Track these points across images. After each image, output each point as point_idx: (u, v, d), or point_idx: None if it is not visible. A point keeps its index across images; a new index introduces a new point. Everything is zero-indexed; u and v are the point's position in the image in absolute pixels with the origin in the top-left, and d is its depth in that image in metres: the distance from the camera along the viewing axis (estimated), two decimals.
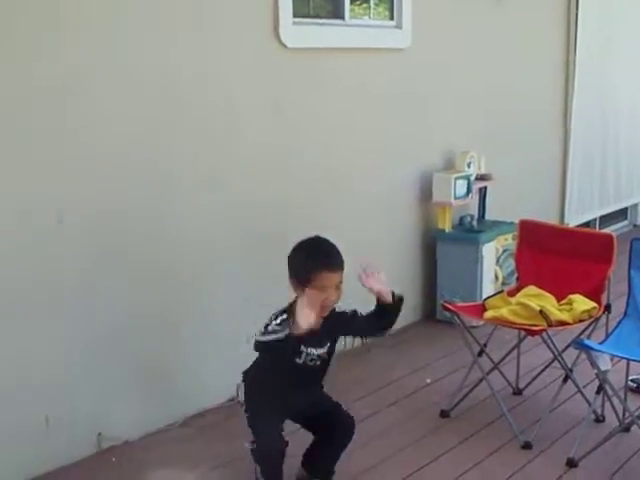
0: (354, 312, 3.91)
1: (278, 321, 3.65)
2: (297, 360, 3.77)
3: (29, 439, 4.17)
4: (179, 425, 4.77)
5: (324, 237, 3.85)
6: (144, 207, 4.54)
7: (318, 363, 3.85)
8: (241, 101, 5.00)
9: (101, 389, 4.46)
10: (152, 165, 4.56)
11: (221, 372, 4.85)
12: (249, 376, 3.94)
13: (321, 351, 3.83)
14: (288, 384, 3.78)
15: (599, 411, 4.78)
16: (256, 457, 3.78)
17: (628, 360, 4.58)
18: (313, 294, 3.62)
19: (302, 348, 3.75)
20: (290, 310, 3.69)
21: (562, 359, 4.78)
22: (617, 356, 4.43)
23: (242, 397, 3.91)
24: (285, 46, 5.21)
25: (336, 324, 3.84)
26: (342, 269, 3.74)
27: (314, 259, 3.71)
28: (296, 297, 3.73)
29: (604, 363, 4.29)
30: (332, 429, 3.98)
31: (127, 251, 4.50)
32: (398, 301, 3.91)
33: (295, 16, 5.29)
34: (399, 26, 6.16)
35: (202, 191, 4.82)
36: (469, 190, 6.48)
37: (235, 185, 4.98)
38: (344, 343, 5.73)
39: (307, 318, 3.53)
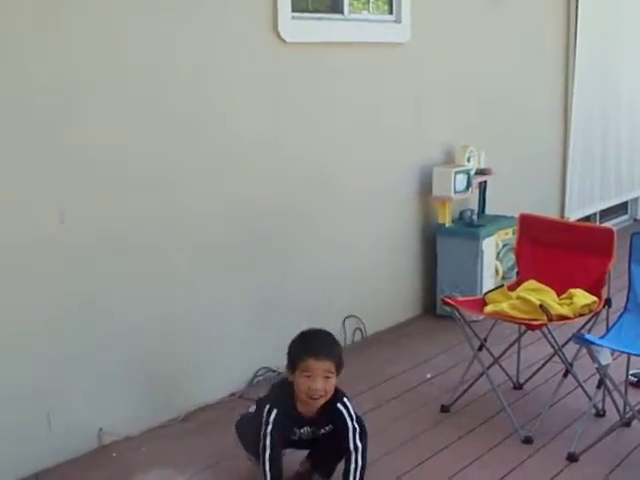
0: (349, 432, 3.85)
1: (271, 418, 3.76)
2: (292, 437, 3.89)
3: (31, 434, 4.17)
4: (180, 420, 4.78)
5: (325, 330, 3.94)
6: (145, 205, 4.54)
7: (316, 436, 3.93)
8: (240, 96, 5.00)
9: (102, 384, 4.46)
10: (150, 162, 4.56)
11: (223, 367, 4.87)
12: (240, 430, 4.10)
13: (317, 432, 3.91)
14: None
15: (600, 405, 4.78)
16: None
17: (629, 354, 4.57)
18: (299, 380, 3.75)
19: (294, 429, 3.87)
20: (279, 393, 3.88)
21: (562, 353, 4.78)
22: (617, 350, 4.43)
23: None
24: (284, 41, 5.20)
25: (333, 420, 3.88)
26: (331, 360, 3.77)
27: (303, 345, 3.82)
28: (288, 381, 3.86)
29: (604, 357, 4.30)
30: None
31: (129, 250, 4.50)
32: None
33: (294, 10, 5.28)
34: (398, 20, 6.16)
35: (202, 187, 4.82)
36: (469, 184, 6.48)
37: (235, 181, 4.98)
38: (345, 338, 5.77)
39: None
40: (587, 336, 4.34)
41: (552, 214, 7.86)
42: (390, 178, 6.21)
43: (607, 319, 4.66)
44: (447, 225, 6.47)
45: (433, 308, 6.54)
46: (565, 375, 4.64)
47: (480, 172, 6.72)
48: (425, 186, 6.45)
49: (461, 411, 4.91)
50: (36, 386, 4.18)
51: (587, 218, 8.85)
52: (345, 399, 3.89)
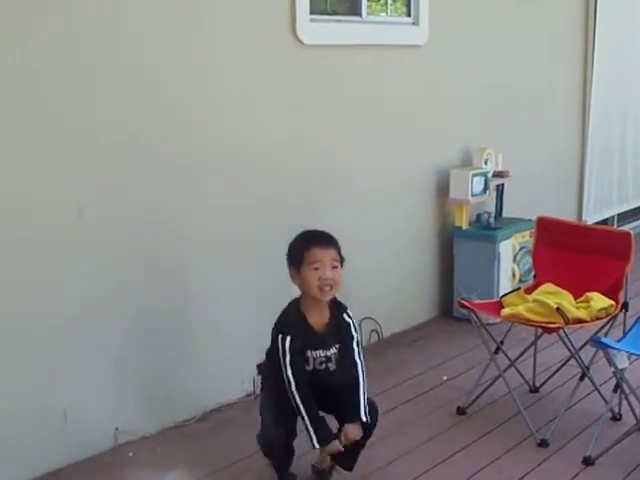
0: (352, 341, 3.93)
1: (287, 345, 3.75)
2: (307, 367, 3.83)
3: (47, 434, 4.20)
4: (197, 420, 4.79)
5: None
6: (156, 204, 4.56)
7: (330, 368, 3.88)
8: (258, 98, 5.01)
9: (118, 384, 4.48)
10: (171, 160, 4.58)
11: (239, 367, 4.87)
12: (264, 373, 4.03)
13: (328, 352, 3.87)
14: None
15: (616, 409, 4.77)
16: (261, 447, 3.92)
17: None
18: (308, 274, 3.73)
19: (307, 353, 3.81)
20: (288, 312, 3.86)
21: (579, 357, 4.76)
22: (634, 354, 4.41)
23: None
24: (302, 43, 5.21)
25: (340, 330, 3.90)
26: (334, 248, 3.80)
27: (304, 239, 3.84)
28: (298, 300, 3.84)
29: (621, 361, 4.28)
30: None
31: (147, 246, 4.53)
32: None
33: (312, 13, 5.29)
34: (416, 23, 6.15)
35: (221, 185, 4.83)
36: (486, 187, 6.47)
37: (253, 180, 4.99)
38: (360, 339, 5.76)
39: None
40: (604, 339, 4.32)
41: (569, 217, 7.83)
42: (407, 180, 6.21)
43: (624, 323, 4.65)
44: (464, 228, 6.46)
45: (450, 310, 6.54)
46: (581, 378, 4.63)
47: (497, 174, 6.71)
48: (442, 188, 6.45)
49: (477, 414, 4.90)
50: (53, 385, 4.21)
51: (605, 221, 8.82)
52: (349, 311, 3.94)
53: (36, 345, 4.11)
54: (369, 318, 5.88)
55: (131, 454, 4.44)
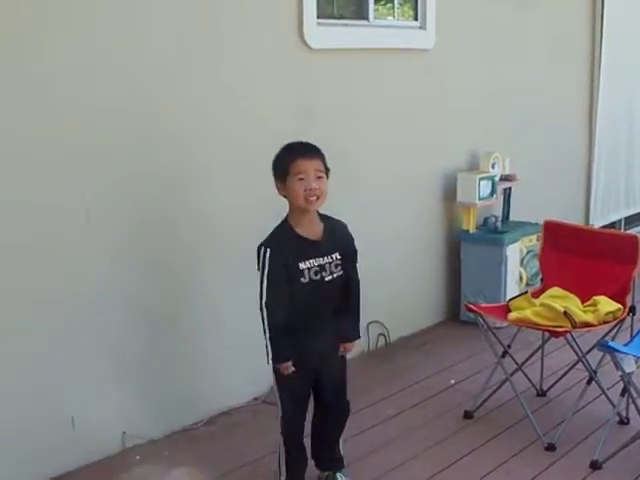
0: (355, 256, 3.94)
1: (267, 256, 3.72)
2: (302, 280, 3.73)
3: (55, 438, 4.20)
4: (204, 424, 4.79)
5: None
6: (162, 206, 4.58)
7: (325, 277, 3.78)
8: (266, 101, 5.02)
9: (125, 388, 4.49)
10: (173, 163, 4.59)
11: (247, 371, 4.87)
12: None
13: (322, 261, 3.77)
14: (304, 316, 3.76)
15: (623, 413, 4.76)
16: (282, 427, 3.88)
17: None
18: (293, 186, 3.71)
19: (301, 265, 3.72)
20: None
21: (586, 361, 4.76)
22: None
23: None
24: (309, 47, 5.22)
25: (339, 235, 3.87)
26: (318, 158, 3.77)
27: (288, 151, 3.81)
28: (286, 216, 3.81)
29: (629, 365, 4.27)
30: (326, 413, 4.01)
31: (156, 249, 4.55)
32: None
33: (319, 17, 5.30)
34: (423, 27, 6.16)
35: (223, 188, 4.84)
36: (493, 191, 6.47)
37: (258, 182, 4.97)
38: (368, 343, 5.78)
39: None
40: (611, 343, 4.32)
41: (576, 221, 7.82)
42: (414, 184, 6.21)
43: (631, 326, 4.65)
44: (471, 231, 6.46)
45: (457, 314, 6.54)
46: (589, 382, 4.63)
47: (505, 178, 6.71)
48: (449, 192, 6.46)
49: (484, 417, 4.90)
50: (60, 390, 4.22)
51: (612, 225, 8.81)
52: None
53: (43, 351, 4.12)
54: (376, 322, 5.88)
55: (138, 457, 4.45)
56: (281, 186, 3.77)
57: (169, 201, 4.58)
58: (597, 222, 8.41)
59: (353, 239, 3.94)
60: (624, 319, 4.66)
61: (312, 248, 3.76)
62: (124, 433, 4.49)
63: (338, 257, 3.81)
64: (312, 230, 3.79)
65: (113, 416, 4.44)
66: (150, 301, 4.54)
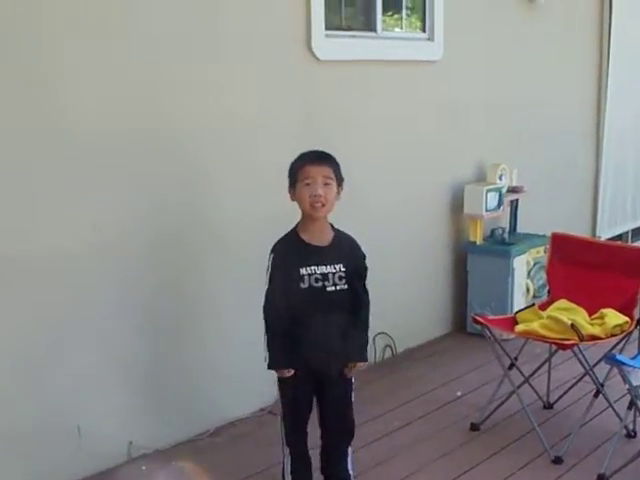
0: (363, 269, 3.92)
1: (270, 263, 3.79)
2: (301, 285, 3.73)
3: (61, 447, 4.20)
4: (210, 434, 4.79)
5: None
6: (170, 217, 4.60)
7: (328, 287, 3.76)
8: (273, 112, 5.03)
9: (132, 398, 4.49)
10: (181, 173, 4.61)
11: (253, 382, 4.86)
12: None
13: (325, 270, 3.76)
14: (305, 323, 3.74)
15: (630, 426, 4.75)
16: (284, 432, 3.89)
17: None
18: (301, 192, 3.75)
19: (302, 271, 3.73)
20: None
21: (593, 374, 4.75)
22: None
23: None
24: (317, 59, 5.23)
25: (346, 248, 3.86)
26: (328, 166, 3.80)
27: (300, 157, 3.85)
28: (297, 223, 3.83)
29: (636, 378, 4.27)
30: (328, 430, 3.95)
31: (163, 260, 4.56)
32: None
33: (327, 28, 5.31)
34: (431, 38, 6.17)
35: (232, 199, 4.84)
36: (500, 202, 6.47)
37: (266, 193, 4.99)
38: (375, 355, 5.77)
39: None
40: (618, 356, 4.31)
41: (583, 233, 7.82)
42: (421, 195, 6.21)
43: (639, 339, 4.64)
44: (478, 243, 6.46)
45: (464, 326, 6.53)
46: (596, 395, 4.62)
47: (512, 190, 6.71)
48: (456, 204, 6.46)
49: (491, 430, 4.89)
50: (66, 400, 4.22)
51: (619, 237, 8.80)
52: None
53: (49, 360, 4.13)
54: (383, 333, 5.88)
55: (144, 468, 4.44)
56: (292, 191, 3.82)
57: (177, 212, 4.59)
58: (604, 234, 8.40)
59: (364, 256, 3.92)
60: (631, 332, 4.65)
61: (315, 254, 3.76)
62: (130, 443, 4.49)
63: (342, 269, 3.79)
64: (319, 238, 3.81)
65: (119, 426, 4.44)
66: (157, 312, 4.55)
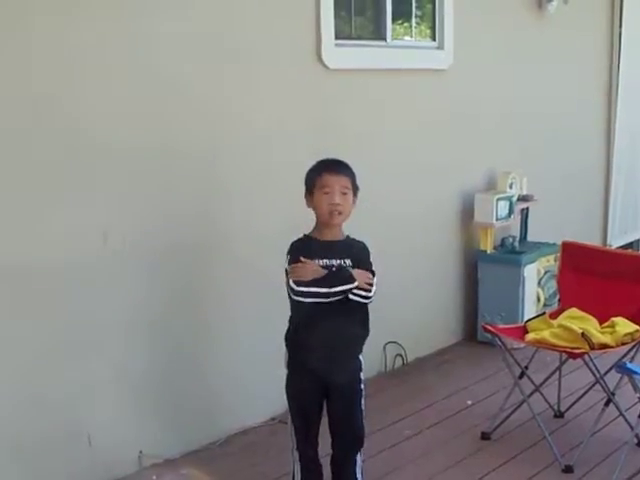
0: (370, 265, 3.90)
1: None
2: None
3: (71, 457, 4.21)
4: (221, 443, 4.79)
5: None
6: (181, 227, 4.59)
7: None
8: (282, 122, 5.04)
9: (142, 407, 4.49)
10: (192, 184, 4.62)
11: (264, 391, 4.87)
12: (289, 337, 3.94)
13: (330, 262, 3.78)
14: (315, 321, 3.75)
15: None
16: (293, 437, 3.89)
17: None
18: (318, 200, 3.79)
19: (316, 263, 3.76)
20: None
21: (604, 382, 4.74)
22: None
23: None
24: (327, 67, 5.24)
25: (355, 249, 3.88)
26: (345, 175, 3.85)
27: (318, 166, 3.90)
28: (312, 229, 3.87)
29: None
30: (335, 437, 3.93)
31: (173, 269, 4.56)
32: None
33: (337, 37, 5.32)
34: (441, 47, 6.18)
35: (242, 209, 4.85)
36: (511, 211, 6.47)
37: (277, 202, 5.00)
38: (385, 364, 5.77)
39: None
40: (629, 365, 4.31)
41: (594, 241, 7.81)
42: (432, 204, 6.21)
43: None
44: (489, 252, 6.46)
45: (474, 335, 6.52)
46: (607, 404, 4.60)
47: (522, 199, 6.71)
48: (467, 212, 6.45)
49: (501, 438, 4.88)
50: (77, 409, 4.22)
51: (630, 245, 8.79)
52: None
53: (61, 369, 4.13)
54: (394, 342, 5.88)
55: (155, 477, 4.44)
56: (309, 199, 3.86)
57: (189, 221, 4.60)
58: (615, 242, 8.39)
59: (371, 257, 3.91)
60: None
61: (324, 248, 3.81)
62: (141, 452, 4.49)
63: (349, 263, 3.81)
64: (331, 237, 3.85)
65: (130, 435, 4.44)
66: (168, 321, 4.55)
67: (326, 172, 3.82)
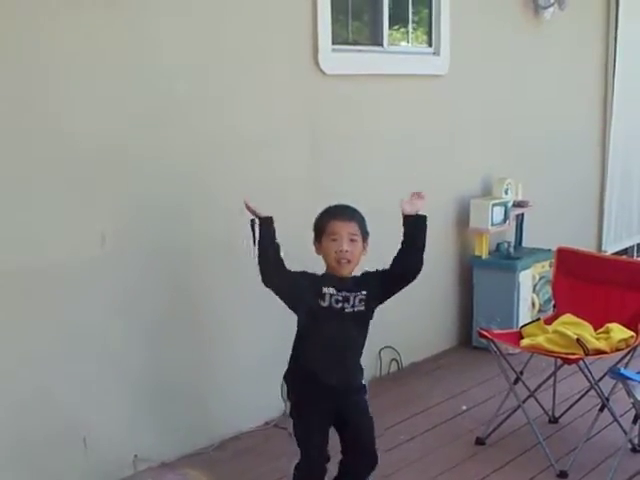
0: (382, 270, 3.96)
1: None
2: (322, 303, 3.74)
3: (67, 459, 4.21)
4: (215, 448, 4.79)
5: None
6: (178, 233, 4.60)
7: (346, 309, 3.78)
8: (279, 127, 5.04)
9: (137, 410, 4.50)
10: (187, 188, 4.62)
11: (258, 395, 4.88)
12: (290, 367, 3.92)
13: (344, 294, 3.77)
14: (323, 348, 3.75)
15: (635, 441, 4.74)
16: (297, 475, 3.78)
17: None
18: (326, 246, 3.76)
19: (323, 290, 3.74)
20: None
21: (599, 388, 4.75)
22: None
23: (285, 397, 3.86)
24: (324, 73, 5.25)
25: (365, 278, 3.88)
26: (354, 222, 3.83)
27: (326, 212, 3.86)
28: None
29: None
30: (351, 460, 3.91)
31: (171, 273, 4.57)
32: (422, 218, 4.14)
33: (334, 43, 5.33)
34: (437, 53, 6.19)
35: (242, 220, 4.85)
36: (506, 217, 6.48)
37: (274, 209, 5.00)
38: (380, 369, 5.78)
39: None
40: (623, 371, 4.31)
41: (589, 247, 7.82)
42: (427, 209, 6.17)
43: None
44: (484, 257, 6.47)
45: (469, 340, 6.53)
46: (601, 409, 4.62)
47: (517, 204, 6.71)
48: (462, 218, 6.46)
49: (496, 444, 4.89)
50: (73, 411, 4.22)
51: (624, 251, 8.80)
52: None
53: (57, 372, 4.14)
54: (389, 347, 5.88)
55: None
56: (318, 245, 3.83)
57: (186, 228, 4.60)
58: (610, 248, 8.40)
59: (367, 272, 3.94)
60: (637, 346, 4.66)
61: (336, 280, 3.77)
62: (135, 456, 4.49)
63: (364, 292, 3.82)
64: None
65: (125, 438, 4.44)
66: (164, 325, 4.56)
67: (334, 218, 3.78)
